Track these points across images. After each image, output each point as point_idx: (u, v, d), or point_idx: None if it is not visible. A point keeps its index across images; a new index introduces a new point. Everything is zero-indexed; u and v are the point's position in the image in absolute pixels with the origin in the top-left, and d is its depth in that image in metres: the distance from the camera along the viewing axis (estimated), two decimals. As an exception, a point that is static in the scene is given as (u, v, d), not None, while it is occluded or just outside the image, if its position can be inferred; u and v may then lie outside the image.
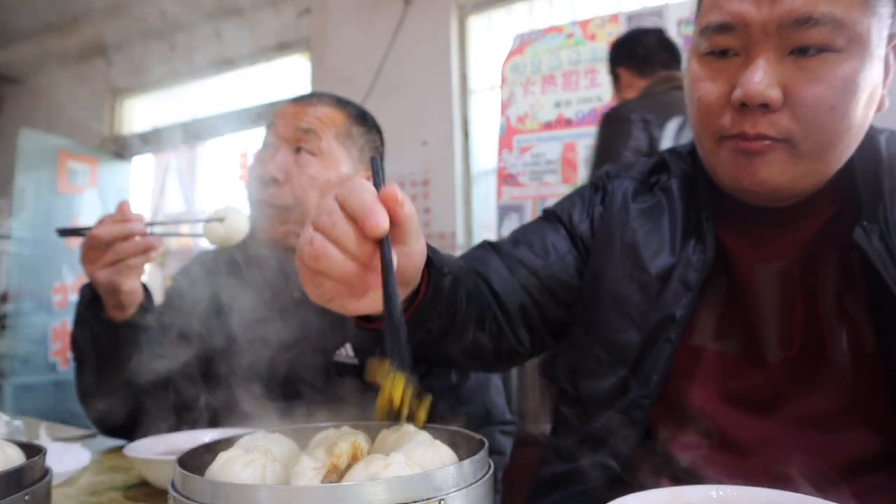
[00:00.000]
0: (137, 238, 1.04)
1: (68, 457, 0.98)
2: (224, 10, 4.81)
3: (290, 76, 4.70)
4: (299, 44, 4.61)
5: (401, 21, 4.12)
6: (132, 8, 4.92)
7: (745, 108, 0.71)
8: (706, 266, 0.80)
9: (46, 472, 0.63)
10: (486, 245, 0.95)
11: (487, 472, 0.59)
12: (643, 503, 0.56)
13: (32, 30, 5.30)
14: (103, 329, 1.09)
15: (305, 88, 4.46)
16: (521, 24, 3.79)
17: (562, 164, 3.29)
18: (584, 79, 3.32)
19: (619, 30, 3.18)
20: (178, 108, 5.25)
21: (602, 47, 3.21)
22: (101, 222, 1.04)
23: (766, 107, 0.70)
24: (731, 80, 0.73)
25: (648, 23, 2.94)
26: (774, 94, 0.69)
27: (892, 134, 0.82)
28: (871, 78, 0.71)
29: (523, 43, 3.50)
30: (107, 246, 1.02)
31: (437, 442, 0.65)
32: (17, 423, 1.10)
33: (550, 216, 0.98)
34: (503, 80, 3.52)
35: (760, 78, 0.69)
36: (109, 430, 1.23)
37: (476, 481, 0.57)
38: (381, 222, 0.54)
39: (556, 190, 3.28)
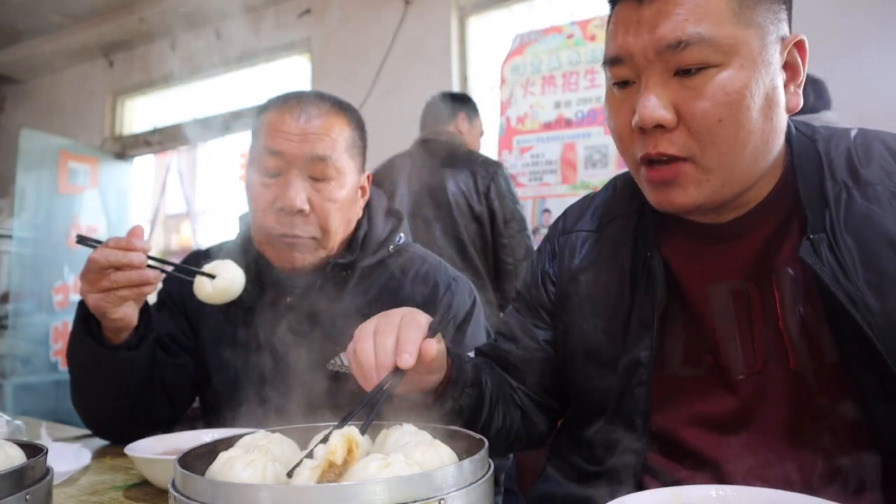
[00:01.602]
0: (135, 271, 1.00)
1: (69, 456, 0.98)
2: (224, 10, 4.81)
3: (291, 76, 4.70)
4: (299, 44, 4.62)
5: (401, 21, 4.12)
6: (133, 8, 4.93)
7: (644, 131, 0.75)
8: (659, 303, 0.82)
9: (47, 471, 0.63)
10: (483, 349, 1.02)
11: (487, 472, 0.59)
12: (643, 503, 0.56)
13: (34, 30, 5.31)
14: (96, 347, 1.07)
15: (305, 89, 4.45)
16: (521, 25, 3.78)
17: (561, 165, 3.29)
18: (583, 79, 3.32)
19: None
20: (179, 108, 5.25)
21: (602, 48, 3.21)
22: (105, 244, 1.01)
23: (661, 127, 0.74)
24: (632, 107, 0.77)
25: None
26: (665, 115, 0.73)
27: (829, 136, 0.82)
28: (763, 84, 0.74)
29: (523, 43, 3.50)
30: (102, 271, 1.00)
31: (437, 442, 0.65)
32: (18, 422, 1.10)
33: (520, 299, 1.02)
34: (503, 81, 3.52)
35: (651, 102, 0.73)
36: (106, 435, 1.23)
37: (476, 481, 0.57)
38: (409, 362, 0.73)
39: (555, 190, 3.28)
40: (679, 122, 0.74)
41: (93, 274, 1.00)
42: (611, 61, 0.79)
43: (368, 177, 1.25)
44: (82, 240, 1.10)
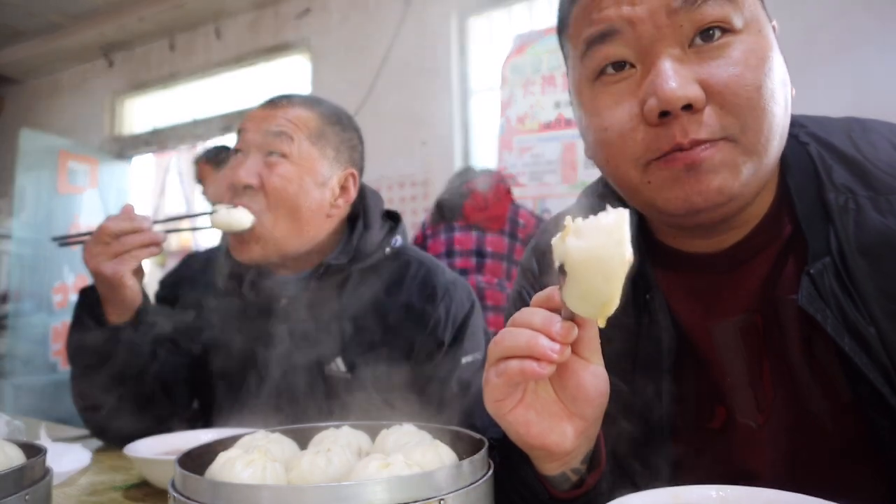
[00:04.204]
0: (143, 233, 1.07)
1: (68, 457, 0.98)
2: (225, 10, 4.82)
3: (290, 76, 4.70)
4: (299, 44, 4.62)
5: (401, 21, 4.13)
6: (133, 8, 4.93)
7: (666, 117, 0.61)
8: (666, 354, 0.71)
9: (47, 472, 0.63)
10: None
11: (487, 472, 0.59)
12: (643, 503, 0.56)
13: (34, 30, 5.31)
14: (102, 331, 1.09)
15: (305, 88, 4.46)
16: (521, 25, 3.79)
17: (561, 165, 3.29)
18: (584, 79, 3.33)
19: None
20: (178, 108, 5.26)
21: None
22: (107, 219, 1.07)
23: (689, 108, 0.60)
24: (638, 95, 0.63)
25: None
26: (696, 90, 0.60)
27: (820, 135, 0.71)
28: (779, 61, 0.64)
29: (523, 43, 3.50)
30: (113, 239, 1.05)
31: (438, 442, 0.65)
32: (18, 423, 1.10)
33: None
34: (503, 81, 3.52)
35: (672, 76, 0.60)
36: (105, 435, 1.22)
37: (476, 481, 0.57)
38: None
39: (555, 190, 3.28)
40: (707, 101, 0.61)
41: (102, 245, 1.06)
42: (601, 37, 0.63)
43: (353, 176, 1.21)
44: (62, 240, 1.18)
